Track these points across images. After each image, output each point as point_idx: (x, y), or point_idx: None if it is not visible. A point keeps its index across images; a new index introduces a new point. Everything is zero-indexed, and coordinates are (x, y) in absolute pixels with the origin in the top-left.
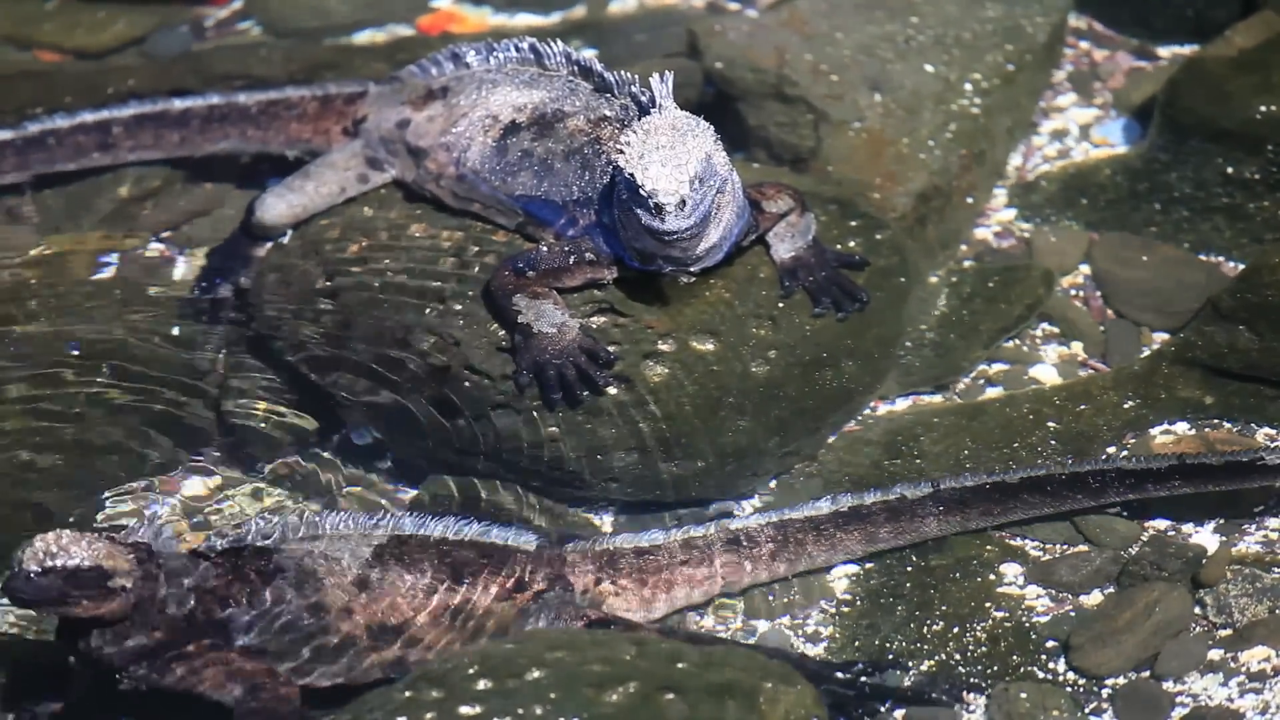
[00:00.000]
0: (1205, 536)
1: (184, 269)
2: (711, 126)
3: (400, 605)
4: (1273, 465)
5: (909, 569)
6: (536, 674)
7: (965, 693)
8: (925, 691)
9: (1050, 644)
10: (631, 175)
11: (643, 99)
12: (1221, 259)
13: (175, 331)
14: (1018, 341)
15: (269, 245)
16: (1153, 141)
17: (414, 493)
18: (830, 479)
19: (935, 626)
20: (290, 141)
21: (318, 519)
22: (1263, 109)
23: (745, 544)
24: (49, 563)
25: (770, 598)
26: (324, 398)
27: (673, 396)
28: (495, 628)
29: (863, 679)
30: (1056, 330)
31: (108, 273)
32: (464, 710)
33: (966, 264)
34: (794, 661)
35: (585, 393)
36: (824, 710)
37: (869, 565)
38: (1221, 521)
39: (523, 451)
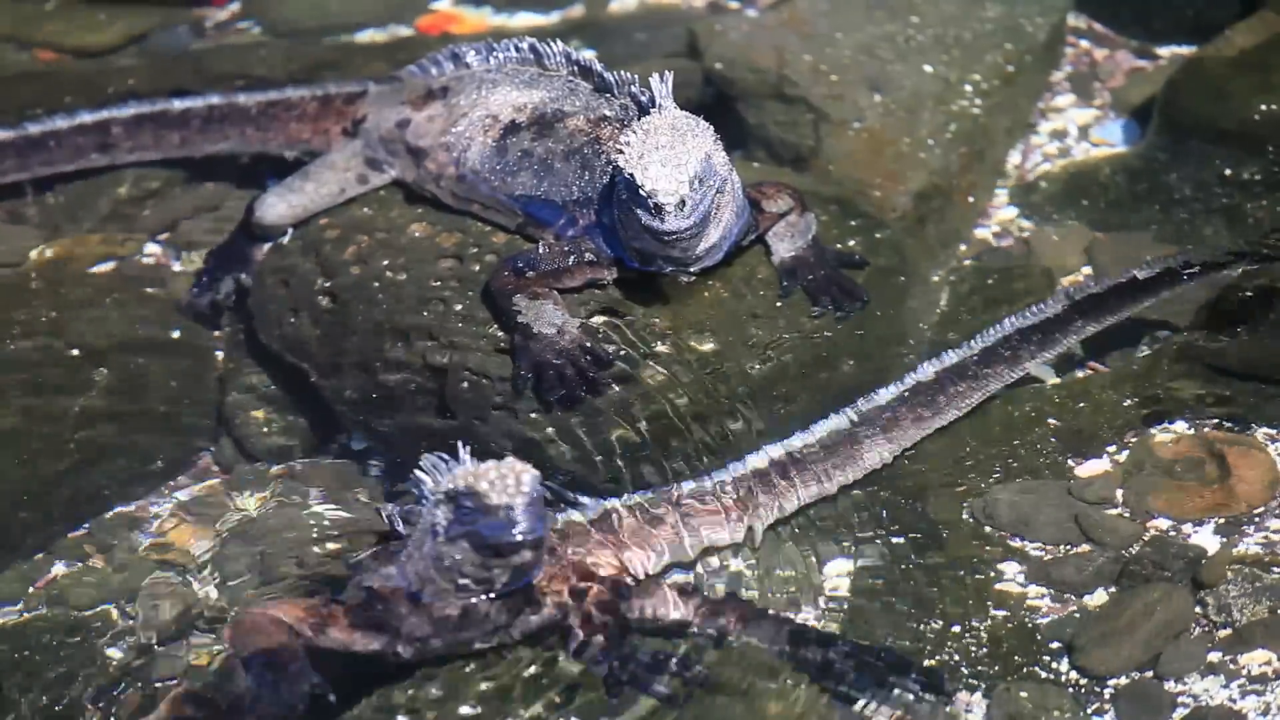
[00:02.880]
0: (1206, 536)
1: (183, 269)
2: (711, 126)
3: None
4: None
5: (908, 567)
6: (536, 674)
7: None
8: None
9: (1052, 644)
10: (631, 175)
11: (642, 99)
12: None
13: (175, 333)
14: None
15: (269, 246)
16: (1152, 141)
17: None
18: None
19: (935, 625)
20: (290, 142)
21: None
22: (1262, 109)
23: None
24: (528, 487)
25: (770, 594)
26: (323, 398)
27: (672, 396)
28: None
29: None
30: None
31: (108, 273)
32: (464, 710)
33: (967, 263)
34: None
35: (584, 393)
36: (824, 710)
37: (867, 563)
38: (1222, 522)
39: (522, 452)
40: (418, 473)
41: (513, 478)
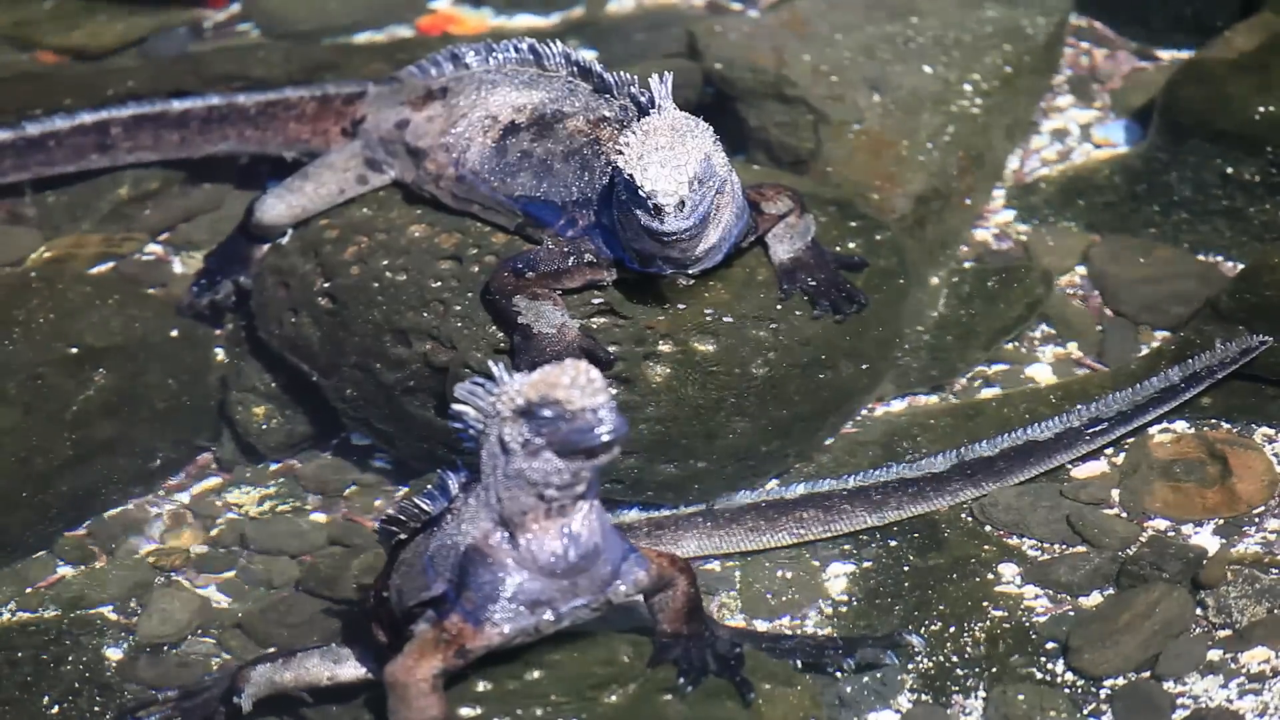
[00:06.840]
0: (1205, 538)
1: (183, 270)
2: (711, 127)
3: None
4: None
5: (906, 569)
6: (536, 674)
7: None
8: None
9: (1049, 645)
10: (630, 176)
11: (642, 99)
12: (1220, 259)
13: (174, 332)
14: (1016, 342)
15: (268, 246)
16: (1152, 142)
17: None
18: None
19: (933, 627)
20: (289, 142)
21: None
22: (1262, 110)
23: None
24: (601, 383)
25: (769, 596)
26: (323, 398)
27: (672, 398)
28: None
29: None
30: (1054, 330)
31: (107, 273)
32: (464, 711)
33: (966, 265)
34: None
35: None
36: (823, 710)
37: (867, 565)
38: (1221, 522)
39: None
40: (459, 406)
41: (584, 378)
